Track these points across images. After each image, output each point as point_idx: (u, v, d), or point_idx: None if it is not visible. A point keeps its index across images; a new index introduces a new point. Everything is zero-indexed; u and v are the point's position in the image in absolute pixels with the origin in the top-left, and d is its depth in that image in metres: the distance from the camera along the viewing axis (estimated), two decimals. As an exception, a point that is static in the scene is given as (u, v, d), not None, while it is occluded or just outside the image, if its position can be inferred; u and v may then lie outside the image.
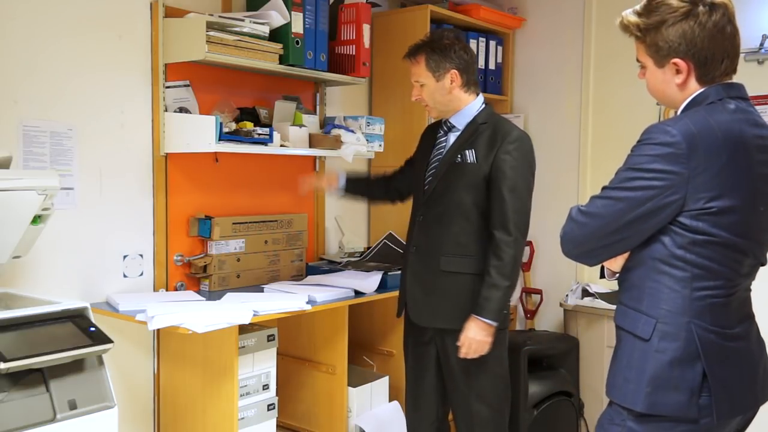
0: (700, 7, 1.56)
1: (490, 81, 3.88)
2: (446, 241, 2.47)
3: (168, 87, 2.75)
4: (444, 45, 2.47)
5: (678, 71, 1.60)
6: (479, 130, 2.47)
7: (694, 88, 1.61)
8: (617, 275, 1.71)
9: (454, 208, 2.46)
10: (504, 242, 2.36)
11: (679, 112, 1.63)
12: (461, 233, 2.45)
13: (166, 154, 2.77)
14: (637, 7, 1.65)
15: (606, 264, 1.72)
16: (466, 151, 2.46)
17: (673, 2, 1.58)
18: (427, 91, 2.50)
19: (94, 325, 2.00)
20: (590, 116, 3.73)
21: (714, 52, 1.57)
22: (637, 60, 1.69)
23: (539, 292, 3.88)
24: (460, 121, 2.52)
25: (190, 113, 2.79)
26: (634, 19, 1.64)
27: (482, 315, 2.36)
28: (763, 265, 1.66)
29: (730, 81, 1.62)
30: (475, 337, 2.37)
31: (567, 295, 3.55)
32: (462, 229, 2.45)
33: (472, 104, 2.52)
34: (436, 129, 2.63)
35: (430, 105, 2.54)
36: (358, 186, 2.91)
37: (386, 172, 2.89)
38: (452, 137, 2.53)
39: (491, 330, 2.38)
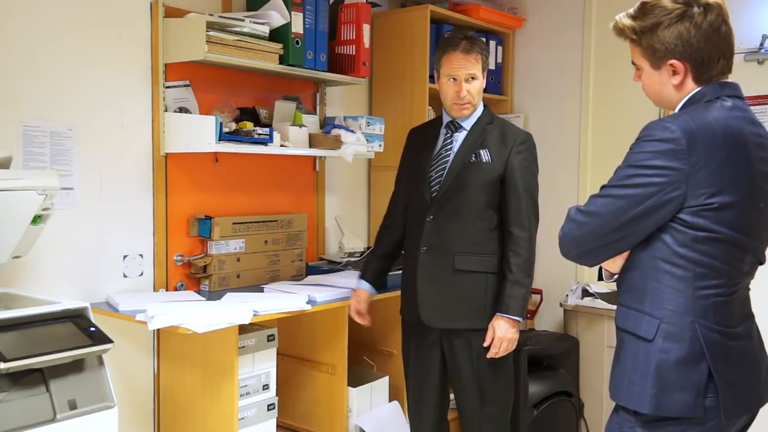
0: (695, 8, 1.57)
1: (490, 81, 3.86)
2: (461, 239, 2.47)
3: (168, 87, 2.75)
4: (483, 42, 2.56)
5: (675, 72, 1.61)
6: (487, 130, 2.52)
7: (691, 88, 1.62)
8: (615, 277, 1.71)
9: (469, 206, 2.47)
10: (523, 239, 2.42)
11: (677, 111, 1.63)
12: (476, 232, 2.46)
13: (166, 154, 2.77)
14: (631, 11, 1.65)
15: (604, 265, 1.71)
16: (481, 151, 2.48)
17: (668, 4, 1.59)
18: (477, 88, 2.51)
19: (94, 325, 2.00)
20: (590, 116, 3.73)
21: (710, 52, 1.58)
22: (633, 63, 1.70)
23: (539, 292, 3.87)
24: (468, 122, 2.55)
25: (190, 113, 2.79)
26: (628, 22, 1.64)
27: (509, 313, 2.40)
28: (761, 263, 1.66)
29: (725, 80, 1.63)
30: (506, 336, 2.41)
31: (567, 295, 3.55)
32: (477, 227, 2.46)
33: (480, 105, 2.58)
34: (427, 130, 2.65)
35: (473, 102, 2.51)
36: (383, 273, 2.77)
37: (388, 232, 2.74)
38: (460, 137, 2.54)
39: (519, 326, 2.44)
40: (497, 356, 2.43)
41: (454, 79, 2.49)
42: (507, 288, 2.41)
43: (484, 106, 2.59)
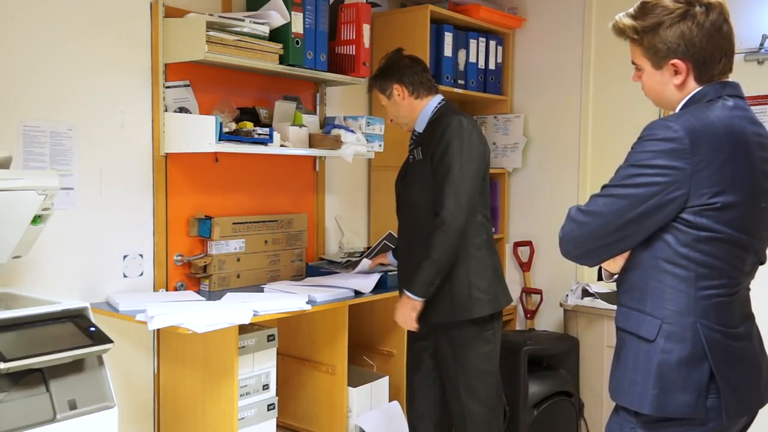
0: (697, 8, 1.56)
1: (490, 81, 3.88)
2: (414, 238, 2.55)
3: (168, 87, 2.75)
4: (381, 67, 2.68)
5: (677, 72, 1.60)
6: (429, 128, 2.58)
7: (692, 88, 1.61)
8: (615, 277, 1.71)
9: (414, 207, 2.57)
10: (434, 226, 2.43)
11: (677, 110, 1.63)
12: (424, 228, 2.49)
13: (166, 154, 2.77)
14: (631, 10, 1.65)
15: (604, 265, 1.71)
16: (414, 150, 2.59)
17: (669, 4, 1.58)
18: (390, 112, 2.70)
19: (94, 325, 2.00)
20: (590, 116, 3.73)
21: (712, 51, 1.58)
22: (633, 63, 1.69)
23: (539, 292, 3.88)
24: (420, 126, 2.64)
25: (190, 113, 2.79)
26: (629, 22, 1.64)
27: (405, 288, 2.50)
28: (762, 263, 1.66)
29: (726, 80, 1.63)
30: (399, 308, 2.52)
31: (567, 295, 3.55)
32: (425, 224, 2.49)
33: (427, 107, 2.63)
34: None
35: (399, 122, 2.70)
36: None
37: None
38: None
39: (415, 304, 2.48)
40: (400, 324, 2.55)
41: None
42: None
43: (443, 101, 2.63)
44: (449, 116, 2.51)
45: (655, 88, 1.66)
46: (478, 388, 2.51)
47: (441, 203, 2.41)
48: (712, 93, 1.59)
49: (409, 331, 2.70)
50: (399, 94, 2.62)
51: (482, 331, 2.50)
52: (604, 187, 1.61)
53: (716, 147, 1.50)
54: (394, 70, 2.64)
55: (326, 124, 3.22)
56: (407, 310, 2.48)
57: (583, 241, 1.62)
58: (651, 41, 1.60)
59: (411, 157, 2.61)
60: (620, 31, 1.66)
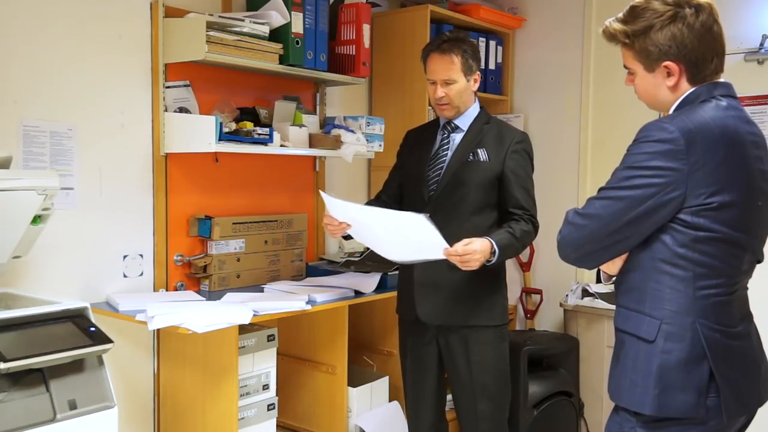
0: (686, 9, 1.57)
1: (490, 81, 3.87)
2: (457, 236, 2.42)
3: (168, 87, 2.76)
4: (474, 46, 2.55)
5: (669, 74, 1.61)
6: (484, 130, 2.54)
7: (686, 89, 1.62)
8: (613, 279, 1.71)
9: (466, 204, 2.48)
10: (523, 218, 2.44)
11: (671, 112, 1.63)
12: (473, 229, 2.45)
13: (166, 154, 2.77)
14: (620, 15, 1.65)
15: (603, 267, 1.71)
16: (478, 150, 2.50)
17: (659, 6, 1.59)
18: (456, 90, 2.50)
19: (94, 325, 2.00)
20: (590, 116, 3.73)
21: (704, 52, 1.59)
22: (625, 66, 1.69)
23: (539, 292, 3.88)
24: (464, 122, 2.57)
25: (190, 113, 2.79)
26: (619, 26, 1.64)
27: (494, 238, 2.31)
28: (760, 261, 1.66)
29: (718, 80, 1.63)
30: (478, 249, 2.24)
31: (567, 295, 3.55)
32: (473, 225, 2.46)
33: (474, 105, 2.59)
34: (424, 132, 2.68)
35: (453, 104, 2.52)
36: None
37: (379, 197, 2.75)
38: (457, 137, 2.56)
39: (490, 258, 2.29)
40: (453, 258, 2.25)
41: (433, 82, 2.52)
42: (501, 232, 2.37)
43: (481, 107, 2.61)
44: (516, 129, 2.59)
45: (649, 91, 1.67)
46: (490, 386, 2.51)
47: (524, 208, 2.46)
48: (705, 93, 1.60)
49: (408, 338, 2.64)
50: (476, 82, 2.56)
51: (499, 328, 2.52)
52: (600, 189, 1.61)
53: (711, 147, 1.51)
54: (479, 57, 2.58)
55: (326, 124, 3.22)
56: (482, 256, 2.25)
57: (582, 244, 1.63)
58: (642, 45, 1.61)
59: (471, 155, 2.48)
60: (611, 36, 1.67)
